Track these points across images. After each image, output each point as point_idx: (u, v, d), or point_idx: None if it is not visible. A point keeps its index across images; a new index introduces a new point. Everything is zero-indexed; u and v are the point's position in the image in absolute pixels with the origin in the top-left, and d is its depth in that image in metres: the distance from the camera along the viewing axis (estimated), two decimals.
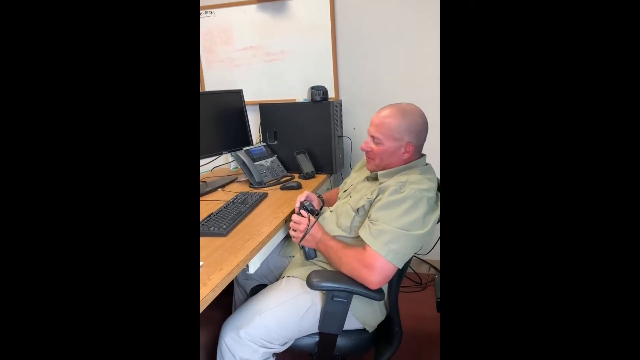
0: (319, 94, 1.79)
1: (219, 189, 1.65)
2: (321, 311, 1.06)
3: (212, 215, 1.22)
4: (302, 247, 1.17)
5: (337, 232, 1.14)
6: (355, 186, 1.26)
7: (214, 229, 1.13)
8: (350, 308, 1.04)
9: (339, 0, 1.95)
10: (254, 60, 2.15)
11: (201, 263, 0.95)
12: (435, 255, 2.01)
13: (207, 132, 1.66)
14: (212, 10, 2.14)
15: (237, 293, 1.48)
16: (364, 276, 0.99)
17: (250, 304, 1.10)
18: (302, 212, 1.16)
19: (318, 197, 1.37)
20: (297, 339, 1.10)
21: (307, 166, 1.79)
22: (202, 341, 1.60)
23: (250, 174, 1.66)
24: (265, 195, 1.49)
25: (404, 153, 1.12)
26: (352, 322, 1.09)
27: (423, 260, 2.13)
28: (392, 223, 0.99)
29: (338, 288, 1.01)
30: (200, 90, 2.22)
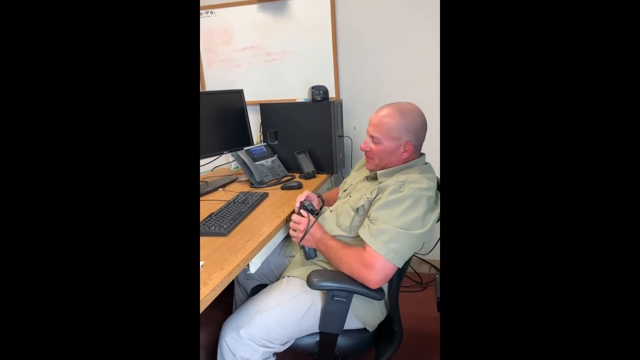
0: (319, 93, 1.80)
1: (220, 189, 1.65)
2: (321, 311, 1.06)
3: (212, 215, 1.22)
4: (302, 247, 1.17)
5: (337, 231, 1.14)
6: (355, 186, 1.26)
7: (214, 228, 1.13)
8: (350, 308, 1.04)
9: (340, 0, 1.95)
10: (255, 60, 2.15)
11: (202, 263, 0.95)
12: (436, 255, 2.01)
13: (207, 132, 1.66)
14: (212, 10, 2.14)
15: (238, 293, 1.49)
16: (364, 275, 0.99)
17: (251, 303, 1.10)
18: (302, 211, 1.17)
19: (318, 196, 1.37)
20: (297, 339, 1.10)
21: (307, 166, 1.79)
22: (203, 341, 1.61)
23: (250, 173, 1.66)
24: (265, 195, 1.49)
25: (403, 152, 1.12)
26: (352, 322, 1.10)
27: (424, 260, 2.13)
28: (391, 222, 0.99)
29: (338, 288, 1.01)
30: (201, 90, 2.23)
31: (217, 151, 1.73)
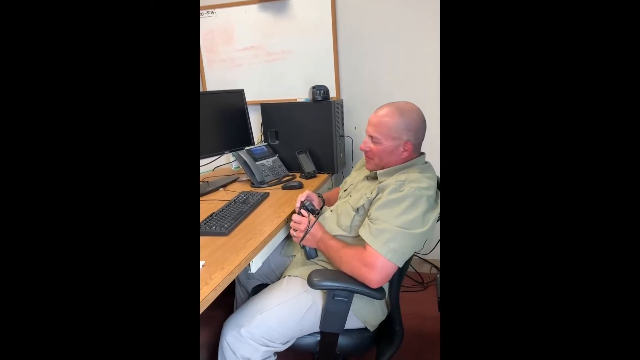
0: (320, 93, 1.80)
1: (221, 189, 1.65)
2: (322, 310, 1.07)
3: (213, 215, 1.23)
4: (303, 247, 1.17)
5: (338, 231, 1.15)
6: (355, 185, 1.26)
7: (215, 228, 1.13)
8: (351, 307, 1.04)
9: (340, 0, 1.95)
10: (255, 60, 2.16)
11: (203, 262, 0.95)
12: (436, 255, 2.01)
13: (208, 132, 1.66)
14: (213, 10, 2.14)
15: (239, 292, 1.49)
16: (365, 275, 0.99)
17: (252, 302, 1.11)
18: (303, 211, 1.17)
19: (318, 196, 1.37)
20: (298, 338, 1.10)
21: (308, 166, 1.80)
22: (204, 340, 1.61)
23: (251, 173, 1.67)
24: (266, 195, 1.49)
25: (402, 152, 1.12)
26: (353, 321, 1.10)
27: (424, 260, 2.13)
28: (391, 222, 0.99)
29: (339, 287, 1.01)
30: (202, 90, 2.23)
31: (218, 151, 1.73)
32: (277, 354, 1.10)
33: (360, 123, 2.07)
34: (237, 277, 1.44)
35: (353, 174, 1.38)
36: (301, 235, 1.13)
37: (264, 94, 2.18)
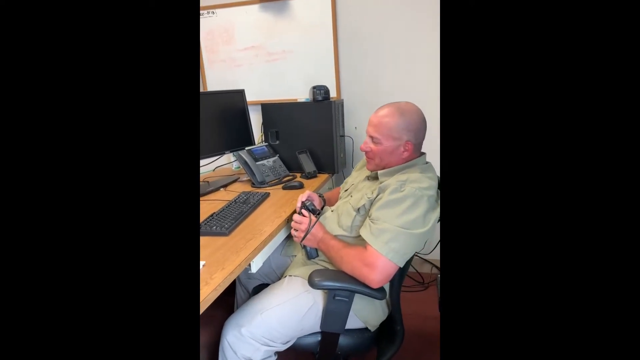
0: (320, 93, 1.80)
1: (221, 189, 1.66)
2: (323, 310, 1.07)
3: (214, 215, 1.23)
4: (304, 247, 1.17)
5: (339, 231, 1.15)
6: (356, 185, 1.26)
7: (216, 228, 1.13)
8: (352, 307, 1.04)
9: (340, 0, 1.95)
10: (256, 60, 2.16)
11: (203, 262, 0.95)
12: (437, 255, 2.01)
13: (209, 132, 1.66)
14: (214, 10, 2.14)
15: (240, 292, 1.49)
16: (365, 275, 0.99)
17: (252, 302, 1.11)
18: (304, 211, 1.17)
19: (319, 196, 1.37)
20: (299, 338, 1.10)
21: (309, 166, 1.80)
22: (204, 340, 1.61)
23: (252, 173, 1.67)
24: (267, 195, 1.49)
25: (403, 152, 1.12)
26: (354, 321, 1.10)
27: (425, 260, 2.13)
28: (392, 222, 0.99)
29: (340, 287, 1.01)
30: (203, 90, 2.24)
31: (218, 151, 1.73)
32: (278, 353, 1.10)
33: (360, 123, 2.07)
34: (238, 277, 1.44)
35: (354, 174, 1.39)
36: (302, 235, 1.13)
37: (264, 94, 2.18)
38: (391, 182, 1.07)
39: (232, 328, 1.05)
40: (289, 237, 1.33)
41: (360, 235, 1.06)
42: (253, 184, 1.67)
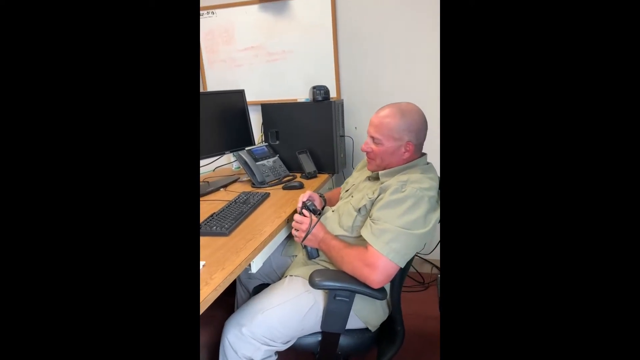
0: (320, 93, 1.80)
1: (221, 189, 1.65)
2: (324, 310, 1.07)
3: (214, 215, 1.23)
4: (305, 247, 1.17)
5: (339, 231, 1.15)
6: (357, 186, 1.26)
7: (216, 228, 1.13)
8: (352, 307, 1.04)
9: (340, 0, 1.95)
10: (256, 60, 2.16)
11: (203, 263, 0.95)
12: (438, 255, 2.01)
13: (209, 132, 1.66)
14: (213, 11, 2.14)
15: (240, 292, 1.49)
16: (366, 275, 0.99)
17: (253, 302, 1.11)
18: (304, 211, 1.17)
19: (320, 196, 1.37)
20: (299, 338, 1.10)
21: (309, 166, 1.80)
22: (205, 340, 1.61)
23: (252, 173, 1.67)
24: (267, 195, 1.49)
25: (404, 152, 1.12)
26: (354, 322, 1.10)
27: (426, 260, 2.13)
28: (393, 222, 0.99)
29: (340, 287, 1.01)
30: (203, 90, 2.23)
31: (218, 151, 1.73)
32: (278, 353, 1.10)
33: (360, 123, 2.07)
34: (238, 276, 1.44)
35: (354, 174, 1.39)
36: (303, 235, 1.13)
37: (264, 94, 2.18)
38: (392, 182, 1.07)
39: (232, 327, 1.05)
40: (290, 237, 1.33)
41: (361, 236, 1.06)
42: (253, 184, 1.67)
